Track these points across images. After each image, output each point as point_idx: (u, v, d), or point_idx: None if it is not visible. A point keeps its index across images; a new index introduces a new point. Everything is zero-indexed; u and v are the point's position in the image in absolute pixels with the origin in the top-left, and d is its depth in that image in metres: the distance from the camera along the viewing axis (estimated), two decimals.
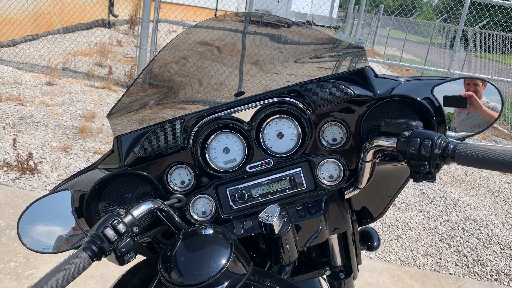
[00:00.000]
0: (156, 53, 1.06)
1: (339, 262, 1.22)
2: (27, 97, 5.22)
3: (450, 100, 0.99)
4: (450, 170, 5.16)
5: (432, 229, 3.59)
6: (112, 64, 7.12)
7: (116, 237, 0.78)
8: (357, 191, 1.06)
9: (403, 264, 3.02)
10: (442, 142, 0.82)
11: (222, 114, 0.99)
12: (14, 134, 4.05)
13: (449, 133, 1.00)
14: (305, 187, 1.03)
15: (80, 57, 7.52)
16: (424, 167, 0.83)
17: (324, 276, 1.27)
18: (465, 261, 3.18)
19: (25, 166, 3.31)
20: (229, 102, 1.01)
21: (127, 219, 0.82)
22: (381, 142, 0.91)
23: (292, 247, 1.01)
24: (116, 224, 0.79)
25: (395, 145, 0.87)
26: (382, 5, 19.59)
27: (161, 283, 0.83)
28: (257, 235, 1.01)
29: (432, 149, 0.81)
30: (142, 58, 5.98)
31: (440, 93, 0.97)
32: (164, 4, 7.39)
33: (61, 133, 4.32)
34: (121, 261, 0.82)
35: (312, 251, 1.25)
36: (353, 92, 0.96)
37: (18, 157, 3.37)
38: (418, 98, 0.96)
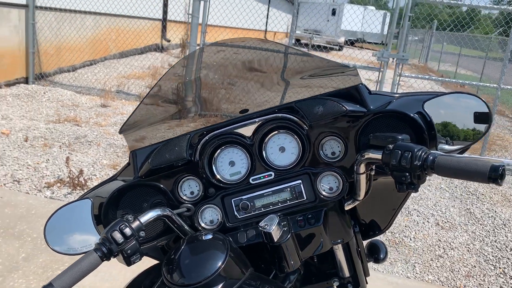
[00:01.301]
0: (165, 72, 1.17)
1: (346, 273, 1.25)
2: (83, 118, 5.59)
3: (479, 117, 1.01)
4: (501, 189, 4.94)
5: (477, 249, 3.46)
6: None
7: (122, 240, 0.88)
8: (356, 203, 1.09)
9: (442, 285, 2.93)
10: (423, 154, 0.85)
11: (222, 130, 1.07)
12: (68, 153, 4.35)
13: (444, 146, 1.02)
14: (305, 198, 1.08)
15: (133, 80, 7.95)
16: (405, 178, 0.87)
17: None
18: (511, 283, 3.04)
19: (76, 182, 3.55)
20: (230, 119, 1.09)
21: (135, 224, 0.91)
22: (370, 154, 0.95)
23: (294, 255, 1.06)
24: (123, 228, 0.89)
25: (381, 158, 0.92)
26: (435, 20, 19.14)
27: (164, 284, 0.91)
28: (262, 244, 1.07)
29: (412, 161, 0.85)
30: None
31: (431, 108, 1.00)
32: (211, 27, 7.68)
33: (111, 151, 4.59)
34: (127, 262, 0.91)
35: (321, 263, 1.29)
36: (345, 108, 1.01)
37: (70, 173, 3.62)
38: (409, 113, 1.00)
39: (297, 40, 23.42)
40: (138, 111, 1.12)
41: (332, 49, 22.52)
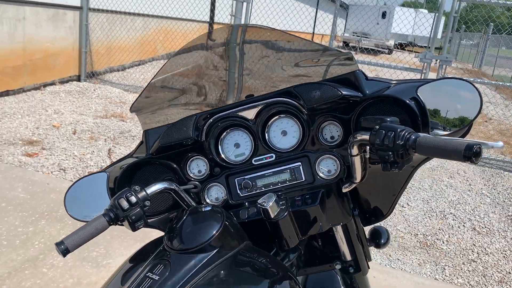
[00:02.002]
0: (173, 55, 1.26)
1: (348, 257, 1.29)
2: (128, 115, 5.85)
3: (470, 102, 1.03)
4: None
5: None
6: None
7: (128, 207, 0.97)
8: (353, 185, 1.13)
9: None
10: (405, 133, 0.89)
11: (225, 113, 1.14)
12: (112, 145, 4.58)
13: (439, 131, 1.04)
14: (303, 179, 1.13)
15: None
16: (388, 157, 0.91)
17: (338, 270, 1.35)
18: None
19: None
20: (233, 103, 1.17)
21: (141, 194, 1.00)
22: (360, 136, 0.99)
23: (291, 233, 1.11)
24: (129, 196, 0.98)
25: (368, 138, 0.96)
26: (491, 24, 18.35)
27: (165, 250, 1.00)
28: (263, 222, 1.13)
29: (395, 140, 0.89)
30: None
31: (425, 93, 1.03)
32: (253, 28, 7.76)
33: None
34: (132, 227, 1.00)
35: (325, 246, 1.33)
36: (340, 92, 1.06)
37: None
38: (402, 98, 1.03)
39: (345, 43, 23.19)
40: (147, 91, 1.22)
41: (380, 52, 22.14)
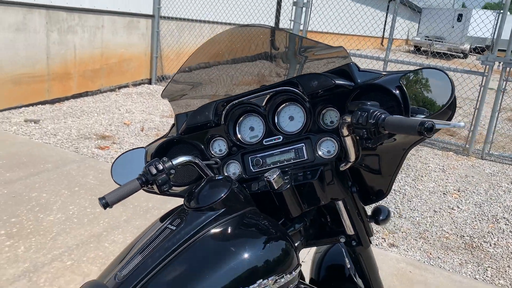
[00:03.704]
0: (199, 46, 1.50)
1: (350, 231, 1.44)
2: None
3: (443, 89, 1.17)
4: None
5: None
6: None
7: (156, 172, 1.21)
8: (349, 164, 1.29)
9: None
10: (377, 113, 1.05)
11: (238, 100, 1.35)
12: None
13: (420, 116, 1.18)
14: (306, 158, 1.31)
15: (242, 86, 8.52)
16: (363, 134, 1.07)
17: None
18: None
19: None
20: (245, 92, 1.37)
21: (167, 164, 1.24)
22: (346, 118, 1.16)
23: (294, 204, 1.30)
24: (157, 164, 1.22)
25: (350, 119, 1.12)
26: None
27: (183, 208, 1.22)
28: (270, 194, 1.32)
29: (367, 119, 1.05)
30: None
31: (407, 82, 1.17)
32: (323, 34, 7.89)
33: None
34: (160, 190, 1.24)
35: (332, 222, 1.50)
36: (334, 81, 1.23)
37: None
38: (387, 86, 1.18)
39: (416, 47, 22.51)
40: (174, 82, 1.46)
41: (454, 56, 21.23)
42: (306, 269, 1.66)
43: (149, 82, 7.88)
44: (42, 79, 5.88)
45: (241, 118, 1.41)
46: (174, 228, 1.15)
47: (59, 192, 3.45)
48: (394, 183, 1.39)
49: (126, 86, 7.37)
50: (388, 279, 2.73)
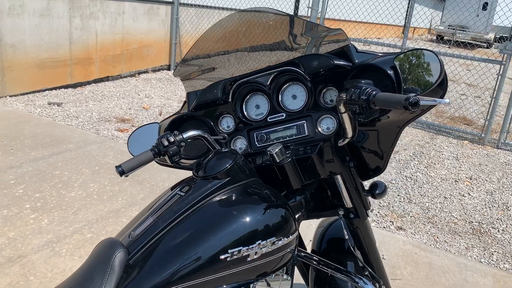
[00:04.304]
0: (208, 28, 1.59)
1: (348, 204, 1.54)
2: None
3: (433, 69, 1.25)
4: None
5: None
6: None
7: (167, 143, 1.32)
8: (347, 140, 1.37)
9: None
10: (368, 90, 1.13)
11: (244, 80, 1.45)
12: None
13: (411, 94, 1.26)
14: (306, 134, 1.41)
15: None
16: (355, 109, 1.16)
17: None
18: None
19: None
20: (251, 72, 1.47)
21: (178, 137, 1.35)
22: (342, 95, 1.25)
23: (294, 176, 1.40)
24: (169, 136, 1.33)
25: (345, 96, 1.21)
26: None
27: (192, 177, 1.33)
28: (273, 167, 1.42)
29: (360, 96, 1.14)
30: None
31: (400, 63, 1.25)
32: (342, 22, 7.89)
33: None
34: (171, 160, 1.35)
35: (332, 196, 1.59)
36: (333, 62, 1.32)
37: None
38: (381, 66, 1.26)
39: (439, 37, 22.13)
40: (183, 62, 1.56)
41: (478, 46, 20.80)
42: (309, 247, 1.76)
43: (168, 68, 8.02)
44: (65, 64, 6.06)
45: (248, 97, 1.50)
46: (183, 194, 1.26)
47: (80, 171, 3.62)
48: (390, 160, 1.48)
49: (145, 71, 7.52)
50: (394, 259, 2.82)
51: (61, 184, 3.36)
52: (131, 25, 6.99)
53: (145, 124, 1.60)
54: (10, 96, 5.44)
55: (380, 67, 1.27)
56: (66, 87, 6.14)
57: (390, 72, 1.26)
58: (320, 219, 1.93)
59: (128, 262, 1.10)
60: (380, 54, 1.34)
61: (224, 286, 1.16)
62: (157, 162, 1.57)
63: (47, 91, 5.85)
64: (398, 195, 3.91)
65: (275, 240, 1.19)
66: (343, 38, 1.36)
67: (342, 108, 1.28)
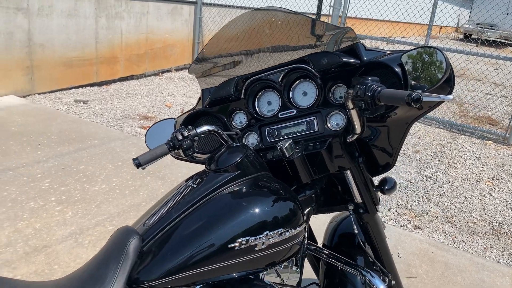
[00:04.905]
0: (221, 27, 1.65)
1: (358, 199, 1.57)
2: None
3: (439, 66, 1.27)
4: None
5: None
6: None
7: (181, 138, 1.38)
8: (356, 136, 1.41)
9: None
10: (374, 86, 1.16)
11: (255, 77, 1.50)
12: None
13: (421, 91, 1.28)
14: (316, 130, 1.45)
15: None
16: (361, 105, 1.19)
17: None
18: None
19: None
20: (263, 69, 1.52)
21: (192, 132, 1.41)
22: (350, 91, 1.28)
23: (304, 171, 1.44)
24: (183, 131, 1.39)
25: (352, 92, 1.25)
26: None
27: (205, 170, 1.39)
28: (283, 162, 1.46)
29: (365, 92, 1.17)
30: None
31: (407, 60, 1.28)
32: (365, 20, 7.87)
33: None
34: (185, 154, 1.41)
35: (342, 192, 1.63)
36: (341, 59, 1.35)
37: None
38: (389, 63, 1.29)
39: (469, 35, 21.67)
40: (197, 61, 1.62)
41: (509, 45, 20.27)
42: (320, 238, 1.79)
43: None
44: (91, 62, 6.24)
45: (260, 93, 1.55)
46: (195, 186, 1.32)
47: (104, 166, 3.74)
48: (398, 156, 1.50)
49: (169, 70, 7.66)
50: (409, 257, 2.82)
51: (85, 179, 3.48)
52: (155, 25, 7.12)
53: (162, 120, 1.67)
54: (39, 93, 5.64)
55: (388, 64, 1.30)
56: (92, 85, 6.32)
57: (397, 69, 1.29)
58: (332, 215, 1.96)
59: (142, 249, 1.17)
60: (388, 52, 1.37)
61: (234, 274, 1.22)
62: (172, 156, 1.63)
63: (73, 89, 6.03)
64: (417, 194, 3.89)
65: (282, 231, 1.24)
66: (352, 36, 1.39)
67: (350, 105, 1.32)
